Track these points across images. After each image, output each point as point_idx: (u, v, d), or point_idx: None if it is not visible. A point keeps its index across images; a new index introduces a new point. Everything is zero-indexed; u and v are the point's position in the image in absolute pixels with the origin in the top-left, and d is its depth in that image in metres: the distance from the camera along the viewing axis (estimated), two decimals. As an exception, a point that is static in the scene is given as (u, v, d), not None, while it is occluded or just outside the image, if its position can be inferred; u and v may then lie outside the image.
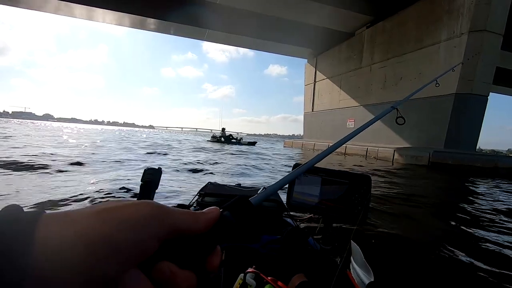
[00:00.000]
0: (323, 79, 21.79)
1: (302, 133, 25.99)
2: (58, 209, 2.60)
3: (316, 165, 0.91)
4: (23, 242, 0.17)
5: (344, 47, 19.26)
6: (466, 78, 11.04)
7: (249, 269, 0.74)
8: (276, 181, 0.36)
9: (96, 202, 3.18)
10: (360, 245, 0.90)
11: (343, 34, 18.51)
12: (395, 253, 2.34)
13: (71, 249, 0.17)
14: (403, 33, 14.15)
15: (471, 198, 5.07)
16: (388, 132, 14.53)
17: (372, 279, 0.82)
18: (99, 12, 17.72)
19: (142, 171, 1.01)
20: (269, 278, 0.65)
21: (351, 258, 0.97)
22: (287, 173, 0.36)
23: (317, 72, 22.72)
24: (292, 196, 1.00)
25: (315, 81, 23.05)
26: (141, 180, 1.01)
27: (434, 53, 12.46)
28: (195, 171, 6.29)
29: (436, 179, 7.94)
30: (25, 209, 0.19)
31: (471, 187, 6.52)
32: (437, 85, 1.57)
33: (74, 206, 3.04)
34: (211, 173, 6.20)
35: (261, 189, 0.34)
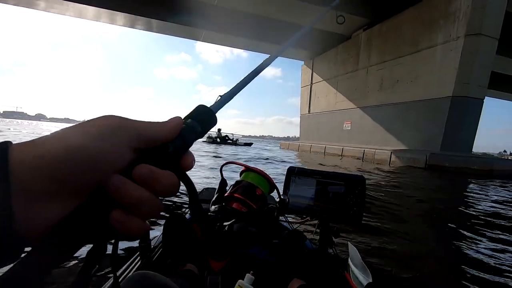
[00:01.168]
0: (320, 81, 21.82)
1: (297, 135, 25.99)
2: None
3: (310, 168, 0.93)
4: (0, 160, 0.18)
5: (340, 49, 19.32)
6: (462, 81, 11.12)
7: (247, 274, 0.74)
8: (229, 91, 0.35)
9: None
10: (357, 246, 0.95)
11: (340, 37, 18.56)
12: (392, 254, 2.33)
13: (47, 164, 0.18)
14: (399, 36, 14.23)
15: (469, 200, 5.05)
16: (384, 134, 14.57)
17: (371, 280, 0.82)
18: (91, 10, 17.46)
19: None
20: (243, 167, 0.69)
21: (349, 259, 0.98)
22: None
23: (314, 74, 22.74)
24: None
25: (311, 83, 23.08)
26: None
27: (430, 56, 12.54)
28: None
29: (433, 181, 7.94)
30: None
31: (470, 189, 6.52)
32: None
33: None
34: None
35: (217, 97, 0.33)
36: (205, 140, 28.83)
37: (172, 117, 0.26)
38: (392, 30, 14.77)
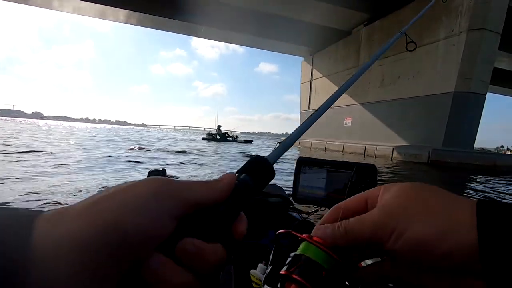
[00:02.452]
0: (320, 77, 21.75)
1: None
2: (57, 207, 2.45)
3: (321, 158, 0.92)
4: (20, 245, 0.15)
5: (341, 45, 19.23)
6: (464, 77, 11.09)
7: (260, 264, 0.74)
8: (289, 136, 0.33)
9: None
10: None
11: (340, 32, 18.46)
12: None
13: (74, 246, 0.16)
14: (401, 31, 14.12)
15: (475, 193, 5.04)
16: (386, 130, 14.56)
17: None
18: (87, 6, 17.20)
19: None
20: (304, 235, 0.63)
21: None
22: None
23: (314, 70, 22.66)
24: (298, 190, 1.01)
25: (311, 79, 23.00)
26: None
27: (432, 51, 12.49)
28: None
29: (437, 177, 7.94)
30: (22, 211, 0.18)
31: (476, 184, 6.52)
32: (444, 1, 1.38)
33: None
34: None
35: (275, 145, 0.32)
36: (205, 137, 28.81)
37: (225, 174, 0.23)
38: (393, 26, 14.67)
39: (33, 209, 0.18)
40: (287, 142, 0.32)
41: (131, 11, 17.31)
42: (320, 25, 17.66)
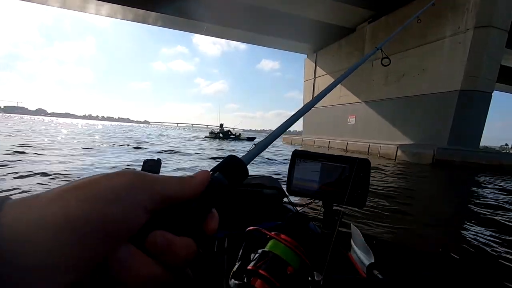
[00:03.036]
0: (323, 75, 21.61)
1: (297, 129, 25.88)
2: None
3: (316, 151, 0.95)
4: None
5: (344, 42, 19.05)
6: (470, 75, 10.94)
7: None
8: (264, 138, 0.35)
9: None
10: (360, 228, 0.97)
11: (344, 30, 18.28)
12: (394, 236, 2.48)
13: (44, 234, 0.15)
14: (406, 28, 13.88)
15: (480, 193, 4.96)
16: (390, 128, 14.44)
17: (373, 260, 0.84)
18: (93, 3, 17.17)
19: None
20: (272, 233, 0.63)
21: (351, 240, 1.00)
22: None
23: (317, 67, 22.50)
24: (292, 182, 1.03)
25: (315, 77, 22.86)
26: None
27: (438, 49, 12.32)
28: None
29: (442, 176, 7.85)
30: None
31: (482, 184, 6.43)
32: (419, 21, 1.59)
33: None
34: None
35: (251, 146, 0.33)
36: (207, 135, 28.78)
37: (199, 171, 0.23)
38: (398, 23, 14.49)
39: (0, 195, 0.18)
40: (262, 143, 0.33)
41: (131, 8, 17.23)
42: (323, 22, 17.49)
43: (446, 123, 11.66)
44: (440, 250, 2.16)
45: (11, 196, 0.17)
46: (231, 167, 0.24)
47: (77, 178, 0.20)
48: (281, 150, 13.40)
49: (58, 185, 0.19)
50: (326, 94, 0.55)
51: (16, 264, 0.15)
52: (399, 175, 7.13)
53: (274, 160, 8.52)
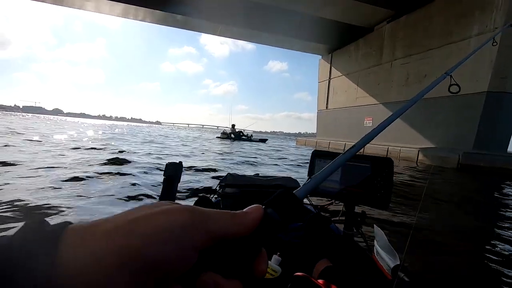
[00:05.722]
0: (339, 76, 21.20)
1: (307, 131, 25.68)
2: (85, 219, 2.39)
3: (336, 151, 0.96)
4: (46, 260, 0.15)
5: (362, 42, 18.64)
6: (499, 76, 10.42)
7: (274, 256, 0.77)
8: (320, 171, 0.32)
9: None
10: (383, 228, 0.88)
11: (361, 29, 17.88)
12: (421, 238, 2.34)
13: (96, 266, 0.16)
14: (429, 27, 13.49)
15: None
16: (410, 131, 13.96)
17: (398, 262, 0.81)
18: (106, 4, 17.37)
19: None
20: (320, 281, 0.64)
21: (375, 242, 0.97)
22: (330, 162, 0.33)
23: (332, 68, 22.12)
24: None
25: (330, 78, 22.47)
26: (164, 175, 1.08)
27: (463, 48, 11.81)
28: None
29: (471, 183, 7.43)
30: (51, 222, 0.18)
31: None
32: (495, 43, 1.41)
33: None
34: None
35: (306, 179, 0.32)
36: (219, 136, 28.81)
37: (252, 206, 0.22)
38: (420, 22, 14.03)
39: (60, 221, 0.18)
40: (318, 177, 0.30)
41: (146, 9, 17.37)
42: (340, 22, 17.16)
43: (471, 126, 11.15)
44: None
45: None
46: (284, 203, 0.23)
47: (139, 205, 0.20)
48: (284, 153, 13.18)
49: (119, 212, 0.19)
50: (386, 127, 0.49)
51: None
52: (425, 180, 6.78)
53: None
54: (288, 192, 0.24)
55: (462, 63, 1.05)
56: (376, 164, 0.94)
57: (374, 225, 0.99)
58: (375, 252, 0.95)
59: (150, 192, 3.42)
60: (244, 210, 0.22)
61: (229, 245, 0.20)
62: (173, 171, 1.08)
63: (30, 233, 0.16)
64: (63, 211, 2.43)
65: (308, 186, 0.27)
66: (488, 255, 2.16)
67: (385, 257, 0.88)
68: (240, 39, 23.33)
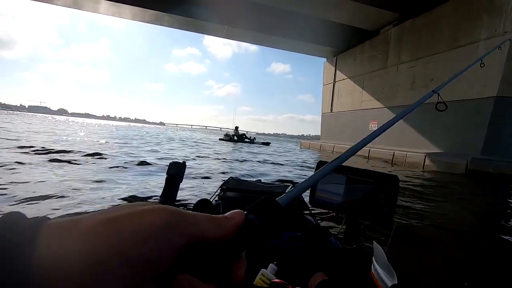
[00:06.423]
0: (344, 79, 21.08)
1: (310, 133, 25.57)
2: (65, 215, 2.46)
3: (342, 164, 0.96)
4: (23, 252, 0.15)
5: (367, 46, 18.50)
6: (509, 80, 10.24)
7: (270, 264, 0.78)
8: (304, 179, 0.33)
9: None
10: (383, 246, 0.90)
11: (367, 33, 17.78)
12: (420, 258, 2.33)
13: (75, 264, 0.16)
14: (436, 31, 13.34)
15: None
16: (416, 135, 13.79)
17: (396, 282, 0.82)
18: (116, 6, 17.48)
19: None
20: None
21: (373, 259, 0.98)
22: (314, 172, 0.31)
23: (337, 71, 22.01)
24: (315, 193, 0.98)
25: (334, 81, 22.35)
26: (167, 174, 1.09)
27: (471, 53, 11.63)
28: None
29: (481, 191, 7.27)
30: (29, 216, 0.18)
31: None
32: (482, 65, 1.48)
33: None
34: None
35: (289, 187, 0.33)
36: (222, 138, 28.76)
37: (234, 211, 0.22)
38: (427, 26, 13.89)
39: (38, 215, 0.18)
40: (301, 186, 0.31)
41: (152, 10, 17.43)
42: (345, 25, 17.08)
43: (479, 131, 10.96)
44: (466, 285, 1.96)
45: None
46: (266, 210, 0.23)
47: (122, 204, 0.19)
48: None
49: (101, 210, 0.19)
50: (378, 135, 0.50)
51: None
52: (433, 185, 6.64)
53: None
54: (271, 199, 0.24)
55: (450, 81, 1.07)
56: (381, 180, 0.93)
57: (374, 242, 0.98)
58: (372, 269, 0.95)
59: (153, 190, 3.49)
60: (225, 214, 0.22)
61: (208, 248, 0.20)
62: (176, 170, 1.08)
63: (5, 227, 0.16)
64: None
65: (291, 194, 0.27)
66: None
67: (383, 275, 0.88)
68: (246, 42, 23.33)
